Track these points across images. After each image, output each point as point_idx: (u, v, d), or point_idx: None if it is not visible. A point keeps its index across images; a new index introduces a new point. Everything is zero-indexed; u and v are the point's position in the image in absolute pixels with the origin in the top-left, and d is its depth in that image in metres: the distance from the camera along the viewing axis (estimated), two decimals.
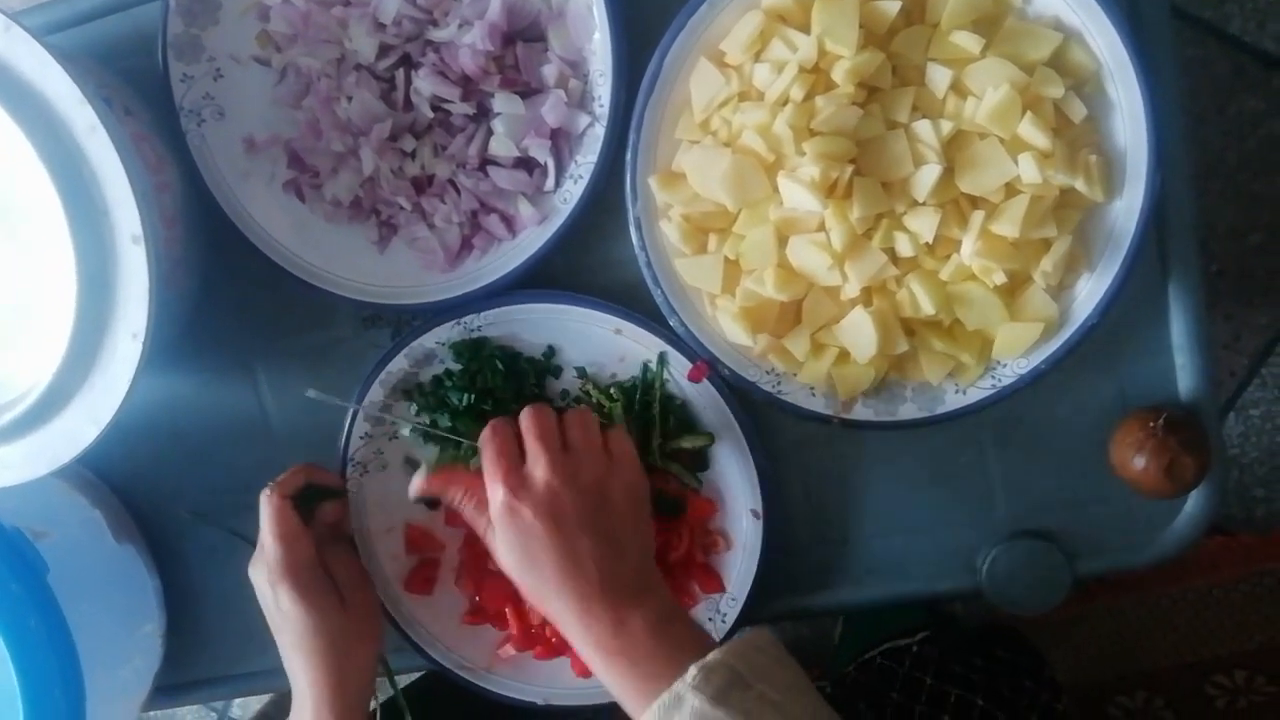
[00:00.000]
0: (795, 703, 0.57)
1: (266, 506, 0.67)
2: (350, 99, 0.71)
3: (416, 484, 0.68)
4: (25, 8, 0.76)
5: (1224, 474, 0.74)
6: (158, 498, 0.84)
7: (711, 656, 0.57)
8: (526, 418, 0.65)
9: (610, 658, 0.60)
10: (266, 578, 0.67)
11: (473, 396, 0.75)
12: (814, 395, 0.71)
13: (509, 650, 0.79)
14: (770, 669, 0.58)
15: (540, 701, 0.79)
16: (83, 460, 0.65)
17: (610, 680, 0.60)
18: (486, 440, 0.65)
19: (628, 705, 0.59)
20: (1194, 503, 0.75)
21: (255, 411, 0.81)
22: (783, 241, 0.67)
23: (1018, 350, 0.68)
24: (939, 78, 0.65)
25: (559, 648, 0.78)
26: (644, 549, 0.65)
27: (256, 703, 1.39)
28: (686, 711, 0.55)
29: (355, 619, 0.69)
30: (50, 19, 0.75)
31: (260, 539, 0.68)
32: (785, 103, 0.65)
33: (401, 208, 0.73)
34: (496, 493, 0.63)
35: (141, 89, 0.72)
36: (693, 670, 0.56)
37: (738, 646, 0.59)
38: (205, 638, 0.86)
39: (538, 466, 0.63)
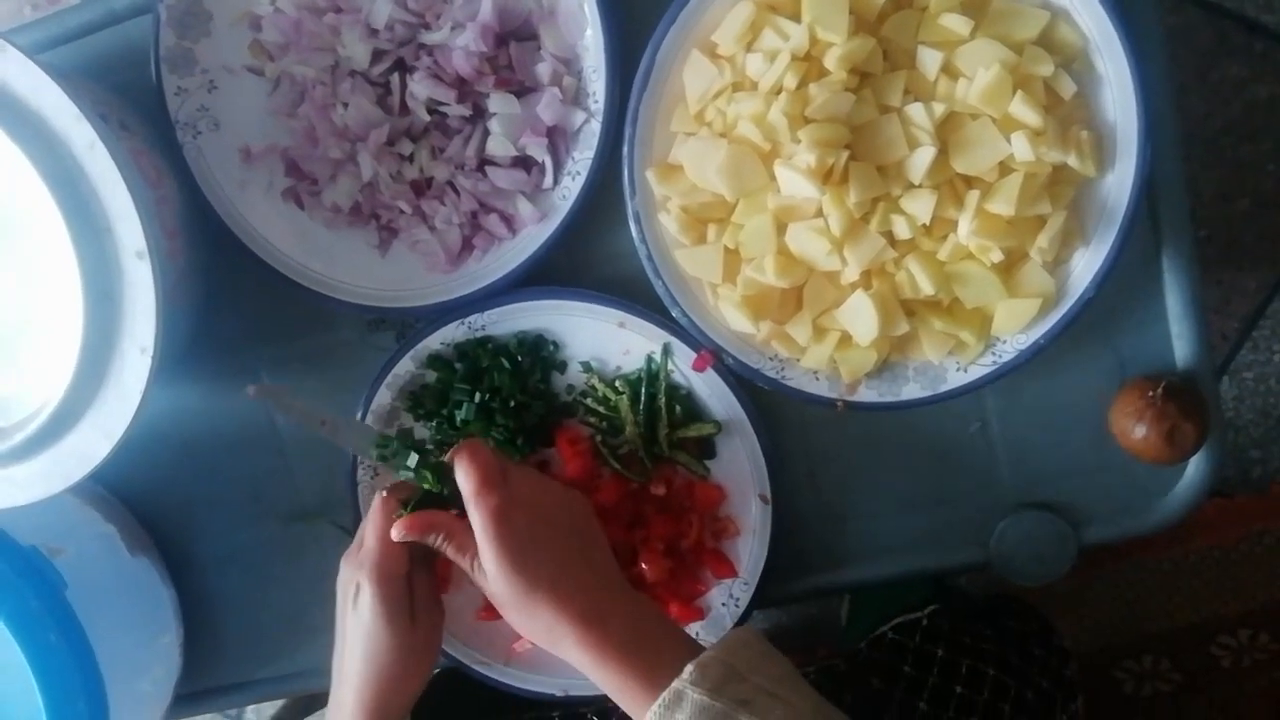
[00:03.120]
0: (790, 691, 0.59)
1: (379, 505, 0.66)
2: (346, 105, 0.71)
3: (397, 527, 0.65)
4: (15, 25, 0.76)
5: (1222, 438, 0.75)
6: (168, 509, 0.84)
7: (704, 655, 0.59)
8: (472, 450, 0.65)
9: (604, 661, 0.61)
10: (355, 573, 0.65)
11: (479, 395, 0.75)
12: (818, 379, 0.72)
13: (525, 644, 0.80)
14: (760, 662, 0.60)
15: (559, 693, 0.80)
16: (94, 476, 0.66)
17: (607, 683, 0.61)
18: (465, 457, 0.64)
19: (627, 706, 0.61)
20: (1194, 467, 0.76)
21: (263, 420, 0.82)
22: (781, 229, 0.68)
23: (1017, 326, 0.69)
24: (930, 61, 0.66)
25: None
26: (609, 557, 0.67)
27: (270, 708, 1.40)
28: (687, 707, 0.57)
29: (420, 642, 0.67)
30: (42, 36, 0.75)
31: (364, 534, 0.66)
32: (779, 91, 0.66)
33: (401, 211, 0.74)
34: (489, 501, 0.62)
35: (136, 103, 0.72)
36: (689, 668, 0.58)
37: (728, 643, 0.61)
38: (221, 646, 0.87)
39: (514, 479, 0.65)
